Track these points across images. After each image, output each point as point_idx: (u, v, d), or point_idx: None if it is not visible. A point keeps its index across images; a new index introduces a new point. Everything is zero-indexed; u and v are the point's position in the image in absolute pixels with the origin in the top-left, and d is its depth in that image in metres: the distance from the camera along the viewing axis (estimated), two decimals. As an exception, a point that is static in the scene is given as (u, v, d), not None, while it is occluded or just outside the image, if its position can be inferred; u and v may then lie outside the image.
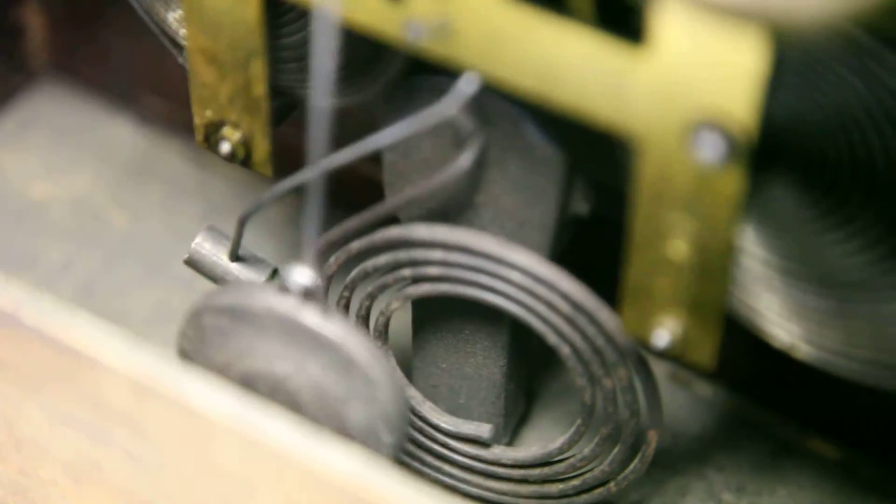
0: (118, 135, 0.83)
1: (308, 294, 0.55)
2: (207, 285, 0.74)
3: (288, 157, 0.65)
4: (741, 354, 0.72)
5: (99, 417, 0.54)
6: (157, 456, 0.54)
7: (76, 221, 0.80)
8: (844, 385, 0.68)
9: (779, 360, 0.70)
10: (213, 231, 0.65)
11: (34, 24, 0.84)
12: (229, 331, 0.57)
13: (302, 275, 0.55)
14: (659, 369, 0.73)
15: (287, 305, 0.56)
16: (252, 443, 0.51)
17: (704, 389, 0.73)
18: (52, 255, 0.78)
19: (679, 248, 0.53)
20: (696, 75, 0.49)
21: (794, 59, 0.50)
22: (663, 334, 0.55)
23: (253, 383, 0.57)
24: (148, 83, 0.82)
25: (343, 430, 0.56)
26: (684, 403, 0.73)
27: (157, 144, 0.83)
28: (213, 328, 0.57)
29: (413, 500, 0.48)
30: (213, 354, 0.58)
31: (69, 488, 0.58)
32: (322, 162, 0.54)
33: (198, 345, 0.58)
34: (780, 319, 0.56)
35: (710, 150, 0.50)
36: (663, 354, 0.56)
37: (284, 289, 0.56)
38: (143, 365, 0.51)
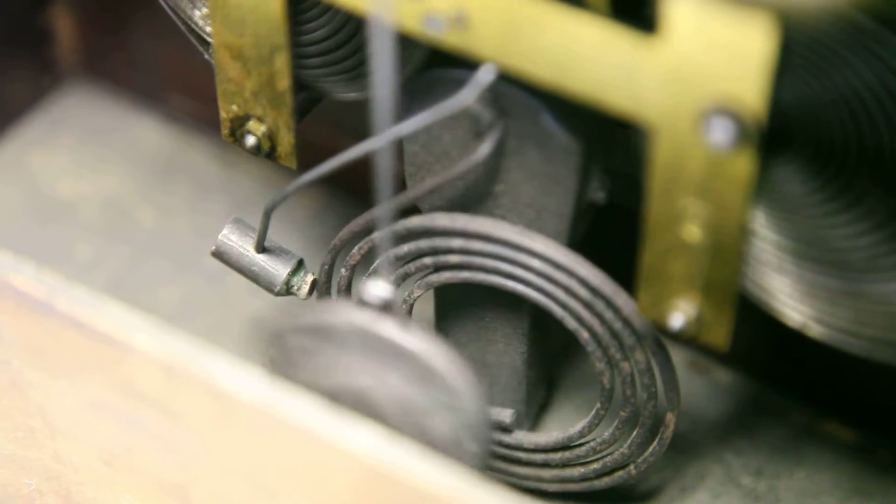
0: (145, 134, 0.84)
1: (386, 307, 0.57)
2: (235, 280, 0.76)
3: (310, 151, 0.66)
4: (759, 341, 0.73)
5: (130, 402, 0.55)
6: (188, 439, 0.55)
7: (105, 219, 0.81)
8: (861, 369, 0.69)
9: (796, 346, 0.71)
10: (240, 223, 0.66)
11: (63, 27, 0.85)
12: (312, 349, 0.58)
13: (379, 288, 0.56)
14: (678, 357, 0.74)
15: (365, 319, 0.57)
16: (279, 423, 0.52)
17: (723, 376, 0.74)
18: (82, 252, 0.79)
19: (693, 231, 0.54)
20: (706, 62, 0.50)
21: (801, 45, 0.51)
22: (679, 316, 0.56)
23: (338, 398, 0.57)
24: (174, 83, 0.83)
25: (427, 440, 0.57)
26: (703, 390, 0.74)
27: (183, 143, 0.84)
28: (297, 348, 0.58)
29: (433, 475, 0.49)
30: (299, 373, 0.58)
31: (102, 473, 0.59)
32: (388, 186, 0.55)
33: (284, 366, 0.59)
34: (791, 300, 0.57)
35: (721, 134, 0.51)
36: (679, 336, 0.57)
37: (363, 303, 0.57)
38: (173, 350, 0.53)
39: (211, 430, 0.54)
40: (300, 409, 0.52)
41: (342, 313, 0.57)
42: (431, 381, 0.57)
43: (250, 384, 0.52)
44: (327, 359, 0.58)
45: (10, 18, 0.83)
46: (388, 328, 0.56)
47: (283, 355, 0.59)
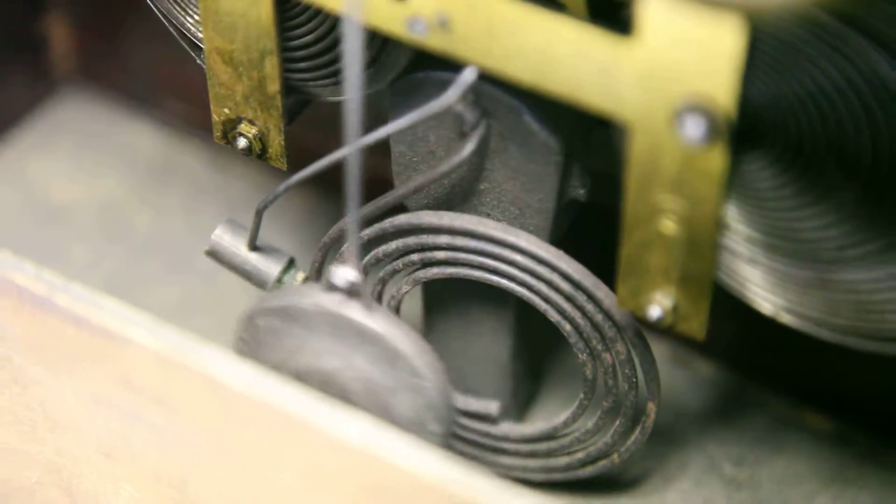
0: (139, 138, 0.85)
1: (352, 291, 0.58)
2: (228, 281, 0.77)
3: (298, 154, 0.67)
4: (739, 335, 0.74)
5: (129, 396, 0.57)
6: (185, 430, 0.57)
7: (101, 221, 0.82)
8: (838, 362, 0.70)
9: (775, 339, 0.72)
10: (233, 223, 0.67)
11: (58, 34, 0.85)
12: (281, 330, 0.59)
13: (346, 272, 0.58)
14: (661, 350, 0.75)
15: (333, 302, 0.58)
16: (273, 413, 0.53)
17: (704, 369, 0.75)
18: (79, 254, 0.80)
19: (668, 225, 0.56)
20: (679, 62, 0.52)
21: (768, 45, 0.53)
22: (656, 307, 0.58)
23: (305, 379, 0.59)
24: (167, 88, 0.84)
25: (392, 421, 0.58)
26: (685, 382, 0.75)
27: (176, 147, 0.85)
28: (266, 329, 0.59)
29: (418, 458, 0.51)
30: (267, 354, 0.60)
31: (102, 464, 0.60)
32: (359, 168, 0.56)
33: (253, 346, 0.60)
34: (763, 291, 0.58)
35: (694, 131, 0.52)
36: (657, 326, 0.59)
37: (330, 287, 0.58)
38: (169, 343, 0.54)
39: (207, 421, 0.56)
40: (294, 399, 0.53)
41: (310, 296, 0.59)
42: (395, 362, 0.58)
43: (243, 374, 0.54)
44: (295, 340, 0.59)
45: (7, 26, 0.83)
46: (354, 311, 0.58)
47: (252, 337, 0.60)
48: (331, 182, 0.77)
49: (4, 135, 0.85)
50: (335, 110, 0.68)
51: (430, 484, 0.52)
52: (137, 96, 0.86)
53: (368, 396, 0.58)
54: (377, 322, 0.57)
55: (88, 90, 0.87)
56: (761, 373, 0.75)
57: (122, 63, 0.85)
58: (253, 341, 0.59)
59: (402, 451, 0.52)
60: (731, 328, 0.72)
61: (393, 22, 0.56)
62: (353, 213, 0.57)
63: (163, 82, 0.84)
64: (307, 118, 0.66)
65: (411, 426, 0.58)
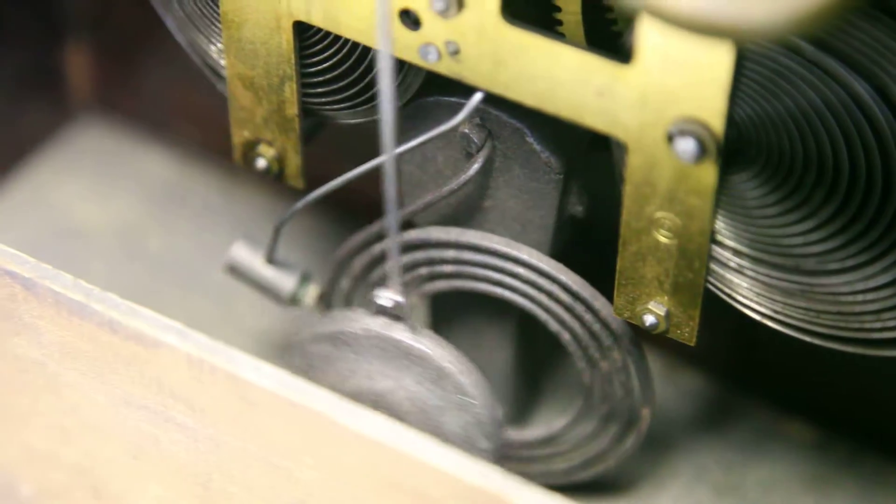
0: (153, 163, 0.87)
1: (397, 313, 0.61)
2: (239, 299, 0.79)
3: (313, 173, 0.70)
4: (727, 348, 0.76)
5: (159, 397, 0.60)
6: (211, 430, 0.60)
7: (117, 242, 0.83)
8: (820, 373, 0.73)
9: (761, 351, 0.75)
10: (249, 240, 0.70)
11: (75, 64, 0.87)
12: (333, 355, 0.62)
13: (391, 296, 0.61)
14: (654, 362, 0.77)
15: (380, 325, 0.61)
16: (298, 413, 0.56)
17: (694, 379, 0.78)
18: (96, 272, 0.81)
19: (662, 237, 0.59)
20: (672, 86, 0.55)
21: (753, 70, 0.55)
22: (651, 315, 0.62)
23: (358, 401, 0.61)
24: (180, 115, 0.86)
25: (443, 439, 0.60)
26: (675, 394, 0.77)
27: (188, 171, 0.86)
28: (318, 354, 0.62)
29: (433, 452, 0.54)
30: (320, 378, 0.62)
31: (129, 465, 0.63)
32: (395, 205, 0.58)
33: (306, 371, 0.63)
34: (748, 301, 0.61)
35: (686, 149, 0.55)
36: (651, 333, 0.62)
37: (377, 310, 0.61)
38: (197, 346, 0.58)
39: (233, 421, 0.59)
40: (319, 399, 0.55)
41: (358, 320, 0.62)
42: (442, 381, 0.61)
43: (267, 375, 0.56)
44: (347, 364, 0.62)
45: (28, 57, 0.85)
46: (401, 333, 0.61)
47: (305, 362, 0.63)
48: (342, 201, 0.79)
49: (26, 160, 0.86)
50: (338, 134, 0.71)
51: (446, 475, 0.54)
52: (151, 122, 0.87)
53: (419, 415, 0.61)
54: (423, 343, 0.60)
55: (105, 117, 0.88)
56: (747, 384, 0.77)
57: (137, 90, 0.87)
58: (307, 366, 0.62)
59: (425, 448, 0.54)
60: (719, 343, 0.75)
61: (408, 50, 0.59)
62: (394, 238, 0.59)
63: (175, 109, 0.86)
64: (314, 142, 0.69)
65: (462, 443, 0.61)
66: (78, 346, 0.60)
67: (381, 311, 0.62)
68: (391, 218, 0.59)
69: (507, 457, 0.72)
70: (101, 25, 0.86)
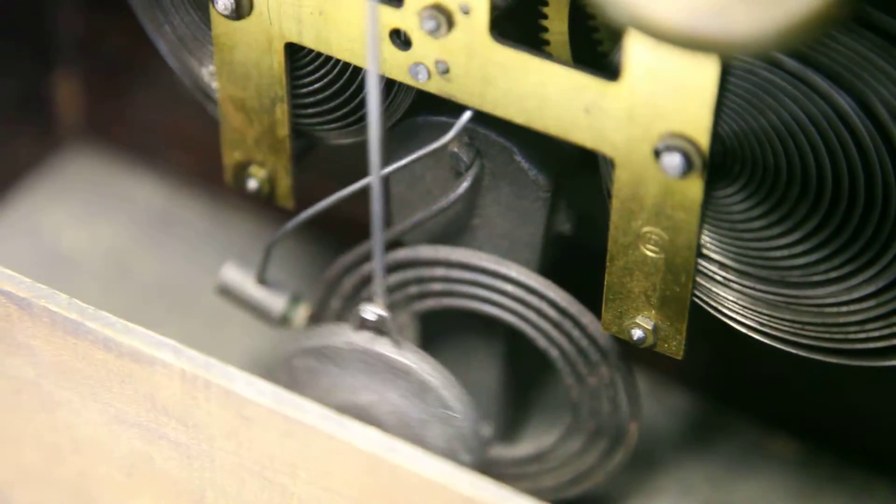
0: (142, 189, 0.87)
1: (381, 327, 0.62)
2: (229, 322, 0.80)
3: (303, 195, 0.70)
4: (714, 365, 0.77)
5: (152, 414, 0.61)
6: (205, 444, 0.60)
7: (106, 268, 0.84)
8: (805, 391, 0.74)
9: (749, 369, 0.76)
10: (239, 263, 0.71)
11: (63, 92, 0.88)
12: (317, 369, 0.62)
13: (374, 311, 0.62)
14: (640, 381, 0.78)
15: (363, 339, 0.61)
16: (290, 426, 0.57)
17: (681, 397, 0.78)
18: (85, 300, 0.80)
19: (649, 252, 0.60)
20: (659, 103, 0.56)
21: (738, 86, 0.56)
22: (638, 330, 0.62)
23: (343, 413, 0.60)
24: (167, 142, 0.86)
25: (425, 451, 0.60)
26: (663, 412, 0.78)
27: (176, 197, 0.87)
28: (303, 368, 0.63)
29: (428, 465, 0.54)
30: (304, 392, 0.63)
31: (123, 483, 0.64)
32: (381, 222, 0.59)
33: (290, 386, 0.63)
34: (734, 313, 0.62)
35: (673, 165, 0.56)
36: (639, 348, 0.63)
37: (361, 325, 0.62)
38: (191, 362, 0.58)
39: (227, 437, 0.59)
40: (310, 413, 0.56)
41: (343, 335, 0.63)
42: (425, 395, 0.62)
43: (260, 390, 0.57)
44: (331, 378, 0.63)
45: (16, 84, 0.86)
46: (384, 347, 0.62)
47: (290, 377, 0.64)
48: (330, 222, 0.80)
49: (15, 187, 0.87)
50: (329, 154, 0.72)
51: (435, 485, 0.55)
52: (140, 149, 0.88)
53: (402, 428, 0.61)
54: (406, 356, 0.61)
55: (93, 144, 0.89)
56: (732, 400, 0.78)
57: (126, 117, 0.87)
58: (290, 380, 0.63)
59: (420, 461, 0.55)
60: (704, 360, 0.76)
61: (398, 70, 0.60)
62: (379, 255, 0.60)
63: (163, 135, 0.86)
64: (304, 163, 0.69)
65: (443, 456, 0.61)
66: (72, 365, 0.61)
67: (365, 325, 0.63)
68: (377, 234, 0.60)
69: (495, 473, 0.73)
70: (89, 53, 0.86)
